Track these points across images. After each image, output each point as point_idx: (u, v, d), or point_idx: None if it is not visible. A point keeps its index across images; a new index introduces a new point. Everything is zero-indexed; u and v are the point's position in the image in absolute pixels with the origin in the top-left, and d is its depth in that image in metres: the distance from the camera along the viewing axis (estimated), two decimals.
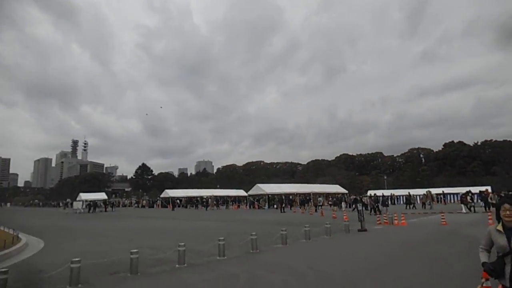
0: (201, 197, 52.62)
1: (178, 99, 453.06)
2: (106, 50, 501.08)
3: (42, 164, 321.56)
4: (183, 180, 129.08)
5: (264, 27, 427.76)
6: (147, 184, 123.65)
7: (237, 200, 53.18)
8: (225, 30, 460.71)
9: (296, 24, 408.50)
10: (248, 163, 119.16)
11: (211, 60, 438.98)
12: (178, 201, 51.77)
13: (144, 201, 61.52)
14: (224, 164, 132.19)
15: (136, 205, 63.14)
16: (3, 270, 6.66)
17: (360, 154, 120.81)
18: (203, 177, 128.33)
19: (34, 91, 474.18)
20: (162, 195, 55.33)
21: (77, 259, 7.40)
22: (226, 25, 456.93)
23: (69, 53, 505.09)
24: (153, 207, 55.90)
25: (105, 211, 47.21)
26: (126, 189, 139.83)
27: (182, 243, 9.25)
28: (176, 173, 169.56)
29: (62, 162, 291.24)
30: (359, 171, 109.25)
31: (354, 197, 38.49)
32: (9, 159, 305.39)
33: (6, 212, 55.92)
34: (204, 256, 10.33)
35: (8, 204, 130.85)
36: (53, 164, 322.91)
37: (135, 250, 8.26)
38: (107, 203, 51.47)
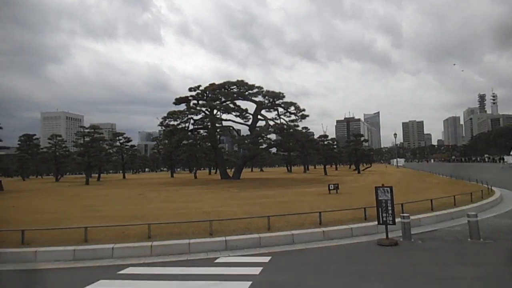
0: None
1: None
2: None
3: (451, 123, 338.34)
4: None
5: None
6: None
7: None
8: None
9: None
10: None
11: None
12: None
13: None
14: None
15: None
16: (472, 213, 8.52)
17: None
18: None
19: (433, 54, 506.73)
20: None
21: None
22: None
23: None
24: None
25: None
26: None
27: None
28: None
29: (471, 119, 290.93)
30: None
31: None
32: (422, 122, 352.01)
33: (439, 167, 62.69)
34: None
35: (432, 160, 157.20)
36: (461, 122, 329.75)
37: None
38: None
